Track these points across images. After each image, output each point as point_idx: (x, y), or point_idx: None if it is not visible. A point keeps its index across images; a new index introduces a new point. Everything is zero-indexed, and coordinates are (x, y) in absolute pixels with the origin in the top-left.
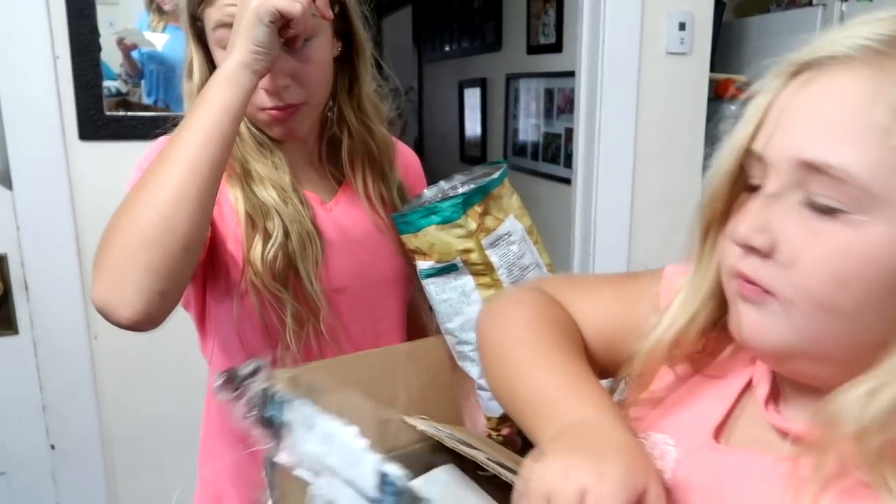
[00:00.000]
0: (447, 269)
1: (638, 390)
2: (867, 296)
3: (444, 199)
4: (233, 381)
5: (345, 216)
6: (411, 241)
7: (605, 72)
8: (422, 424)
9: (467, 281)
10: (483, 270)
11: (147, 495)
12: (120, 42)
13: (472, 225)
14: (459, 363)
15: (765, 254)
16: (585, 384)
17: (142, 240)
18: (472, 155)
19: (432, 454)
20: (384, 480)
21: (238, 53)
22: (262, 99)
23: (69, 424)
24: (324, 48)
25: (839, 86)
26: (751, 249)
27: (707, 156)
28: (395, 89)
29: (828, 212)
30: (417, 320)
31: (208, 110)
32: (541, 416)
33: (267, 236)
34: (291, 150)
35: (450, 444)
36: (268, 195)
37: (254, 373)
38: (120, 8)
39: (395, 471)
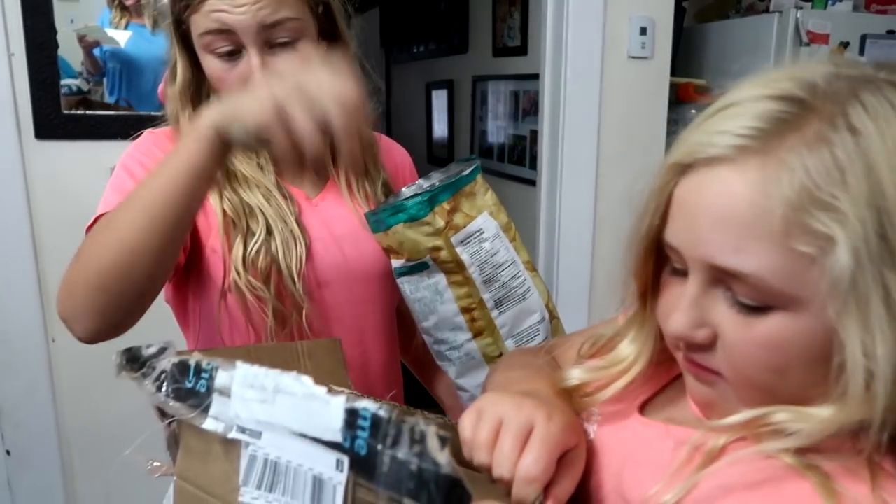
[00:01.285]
0: (419, 268)
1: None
2: (805, 376)
3: (409, 198)
4: (136, 360)
5: (330, 212)
6: (383, 239)
7: (568, 75)
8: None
9: (439, 279)
10: (454, 269)
11: (106, 501)
12: (81, 39)
13: (440, 222)
14: (438, 362)
15: (707, 346)
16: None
17: (98, 281)
18: (440, 156)
19: None
20: (353, 418)
21: (224, 117)
22: None
23: (25, 429)
24: (310, 50)
25: (730, 188)
26: (692, 344)
27: None
28: (377, 88)
29: (754, 310)
30: (407, 319)
31: (176, 167)
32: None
33: (250, 235)
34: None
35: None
36: (251, 196)
37: (159, 352)
38: (80, 5)
39: (368, 404)
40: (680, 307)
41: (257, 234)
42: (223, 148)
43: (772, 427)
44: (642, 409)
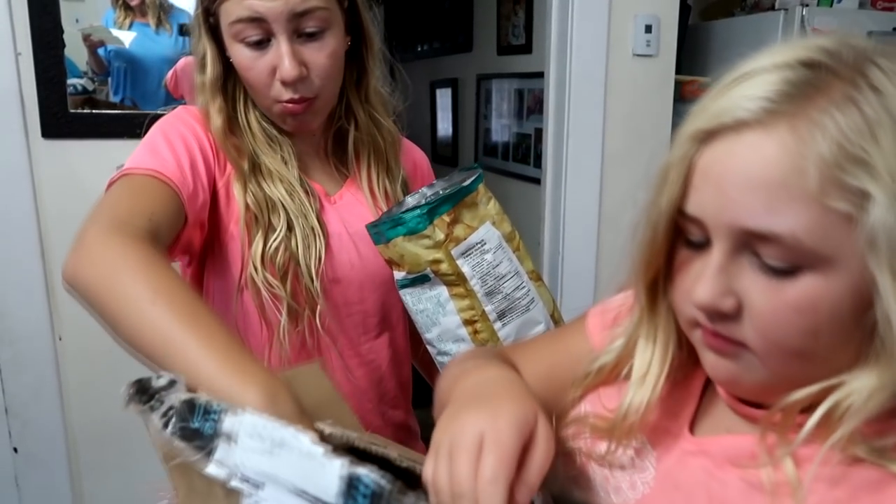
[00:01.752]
0: (420, 280)
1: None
2: (838, 336)
3: (410, 210)
4: (145, 392)
5: (348, 210)
6: (384, 251)
7: (573, 73)
8: (329, 428)
9: (441, 291)
10: (455, 281)
11: (113, 498)
12: (86, 39)
13: (440, 235)
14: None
15: (733, 316)
16: (500, 366)
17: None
18: (444, 155)
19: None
20: (352, 486)
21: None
22: (278, 91)
23: (33, 427)
24: (337, 41)
25: (761, 151)
26: (718, 313)
27: None
28: (403, 85)
29: (785, 272)
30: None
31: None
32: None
33: (271, 230)
34: (300, 143)
35: (361, 444)
36: (275, 190)
37: (169, 385)
38: (86, 4)
39: (370, 473)
40: (704, 276)
41: (278, 230)
42: None
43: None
44: (692, 428)
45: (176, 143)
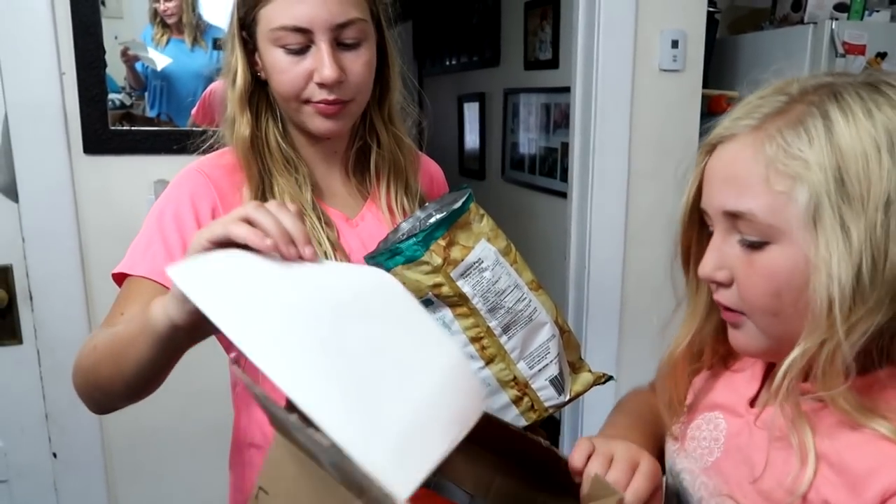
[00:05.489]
0: (424, 304)
1: (679, 390)
2: (796, 295)
3: (405, 239)
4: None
5: (369, 232)
6: None
7: (599, 88)
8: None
9: (445, 313)
10: (458, 302)
11: (147, 503)
12: (124, 53)
13: (438, 260)
14: None
15: (727, 284)
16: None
17: (88, 394)
18: (471, 168)
19: None
20: None
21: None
22: (312, 92)
23: (71, 433)
24: (371, 53)
25: (735, 154)
26: (717, 283)
27: None
28: (419, 103)
29: (756, 246)
30: None
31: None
32: None
33: None
34: (321, 164)
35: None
36: None
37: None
38: (125, 22)
39: None
40: (706, 254)
41: None
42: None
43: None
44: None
45: (169, 234)
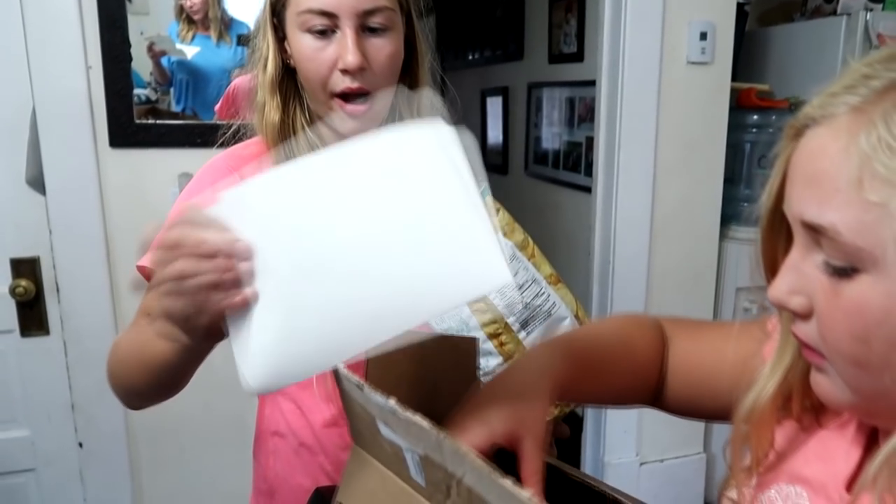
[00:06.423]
0: None
1: (759, 448)
2: (889, 346)
3: None
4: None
5: None
6: None
7: (625, 81)
8: None
9: (462, 309)
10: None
11: (170, 492)
12: (150, 48)
13: None
14: None
15: (805, 316)
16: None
17: (123, 392)
18: (495, 163)
19: None
20: None
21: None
22: (336, 81)
23: (97, 423)
24: (398, 44)
25: (822, 145)
26: (793, 312)
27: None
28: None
29: (842, 272)
30: None
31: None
32: None
33: None
34: None
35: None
36: None
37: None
38: (151, 17)
39: None
40: (782, 271)
41: None
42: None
43: None
44: (848, 487)
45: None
